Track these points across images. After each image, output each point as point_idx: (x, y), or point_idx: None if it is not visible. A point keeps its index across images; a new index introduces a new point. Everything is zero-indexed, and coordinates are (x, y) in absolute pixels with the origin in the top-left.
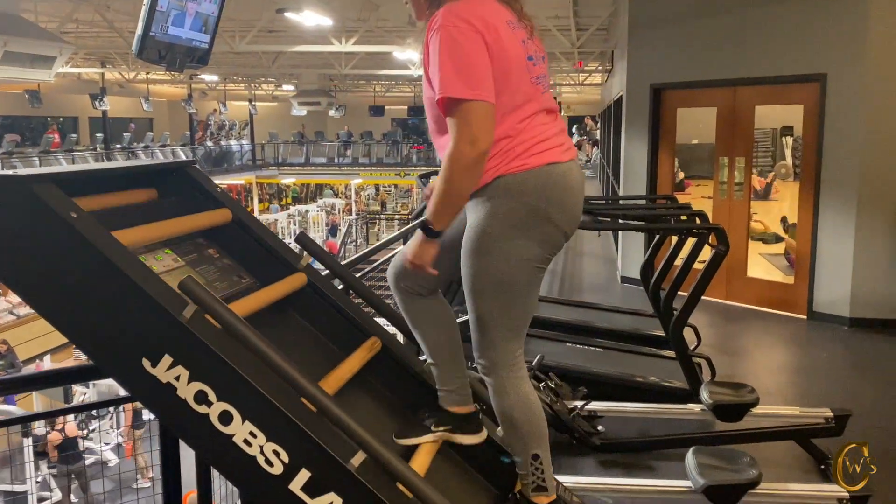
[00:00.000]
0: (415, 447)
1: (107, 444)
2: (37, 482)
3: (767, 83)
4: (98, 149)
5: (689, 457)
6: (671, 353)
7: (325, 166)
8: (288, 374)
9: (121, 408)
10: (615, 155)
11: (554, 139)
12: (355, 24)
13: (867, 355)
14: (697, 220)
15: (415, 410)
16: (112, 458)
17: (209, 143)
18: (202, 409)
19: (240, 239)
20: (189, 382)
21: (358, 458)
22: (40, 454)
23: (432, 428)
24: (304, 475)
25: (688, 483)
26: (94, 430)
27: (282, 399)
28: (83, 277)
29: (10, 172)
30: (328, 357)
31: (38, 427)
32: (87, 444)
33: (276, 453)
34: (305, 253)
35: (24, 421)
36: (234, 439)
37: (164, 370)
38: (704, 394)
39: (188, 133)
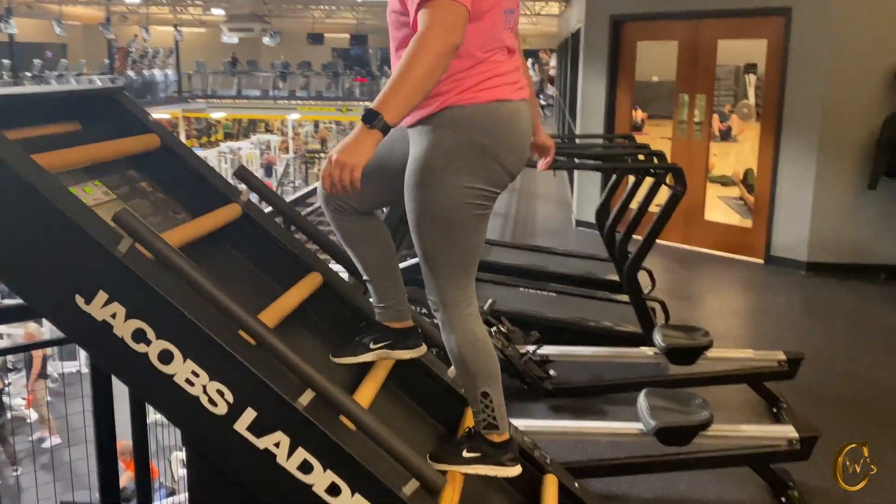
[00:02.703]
0: (359, 378)
1: (24, 398)
2: None
3: (731, 16)
4: (5, 77)
5: (641, 399)
6: (625, 298)
7: (259, 99)
8: (231, 309)
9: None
10: (572, 91)
11: (508, 76)
12: None
13: (823, 300)
14: (655, 160)
15: None
16: (32, 415)
17: (130, 73)
18: (140, 347)
19: (173, 171)
20: (126, 320)
21: (306, 397)
22: None
23: (371, 346)
24: (249, 415)
25: (639, 425)
26: (10, 384)
27: (225, 336)
28: (6, 210)
29: None
30: (269, 293)
31: None
32: (5, 399)
33: (220, 393)
34: (245, 188)
35: None
36: (176, 379)
37: (100, 307)
38: (658, 337)
39: (107, 61)
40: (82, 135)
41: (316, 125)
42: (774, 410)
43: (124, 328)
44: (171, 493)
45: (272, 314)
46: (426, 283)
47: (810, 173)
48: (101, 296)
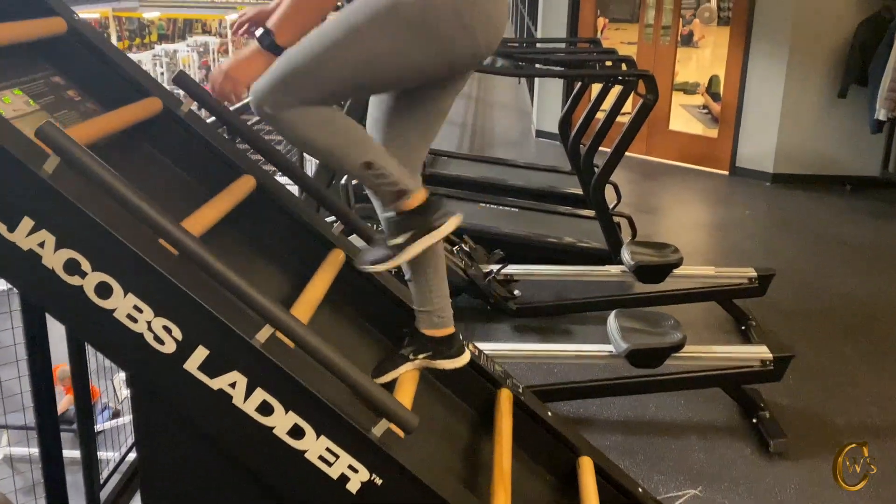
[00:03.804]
0: (297, 293)
1: None
2: None
3: None
4: None
5: (611, 320)
6: (590, 213)
7: None
8: (168, 229)
9: None
10: None
11: None
12: None
13: (789, 212)
14: (623, 67)
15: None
16: None
17: None
18: (74, 280)
19: (104, 76)
20: (56, 250)
21: (264, 334)
22: None
23: (411, 357)
24: (201, 353)
25: (609, 347)
26: None
27: (168, 266)
28: None
29: None
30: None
31: None
32: None
33: (168, 329)
34: (186, 97)
35: None
36: (116, 315)
37: (25, 235)
38: (626, 254)
39: None
40: None
41: None
42: (743, 328)
43: (55, 259)
44: (116, 414)
45: (202, 221)
46: (270, 74)
47: (779, 81)
48: (27, 222)
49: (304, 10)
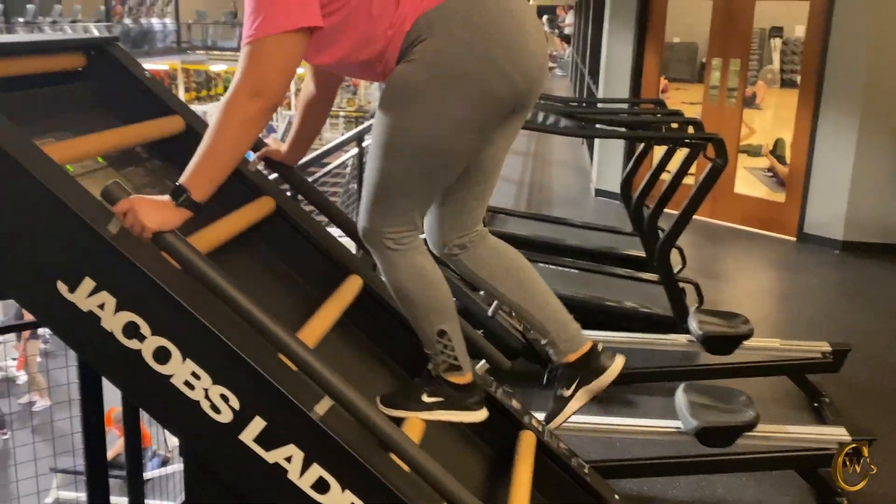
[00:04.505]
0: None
1: (14, 359)
2: None
3: None
4: None
5: (679, 394)
6: (651, 276)
7: None
8: (238, 301)
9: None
10: (593, 52)
11: None
12: None
13: (860, 282)
14: (690, 129)
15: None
16: (22, 377)
17: (127, 20)
18: (133, 343)
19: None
20: (116, 312)
21: (323, 406)
22: None
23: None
24: (257, 424)
25: (677, 423)
26: None
27: (231, 334)
28: None
29: None
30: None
31: None
32: None
33: (225, 398)
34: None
35: None
36: (173, 381)
37: (86, 296)
38: (693, 323)
39: (103, 8)
40: (75, 89)
41: None
42: (815, 405)
43: (114, 321)
44: (165, 461)
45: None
46: (367, 210)
47: (850, 146)
48: (88, 283)
49: (216, 166)
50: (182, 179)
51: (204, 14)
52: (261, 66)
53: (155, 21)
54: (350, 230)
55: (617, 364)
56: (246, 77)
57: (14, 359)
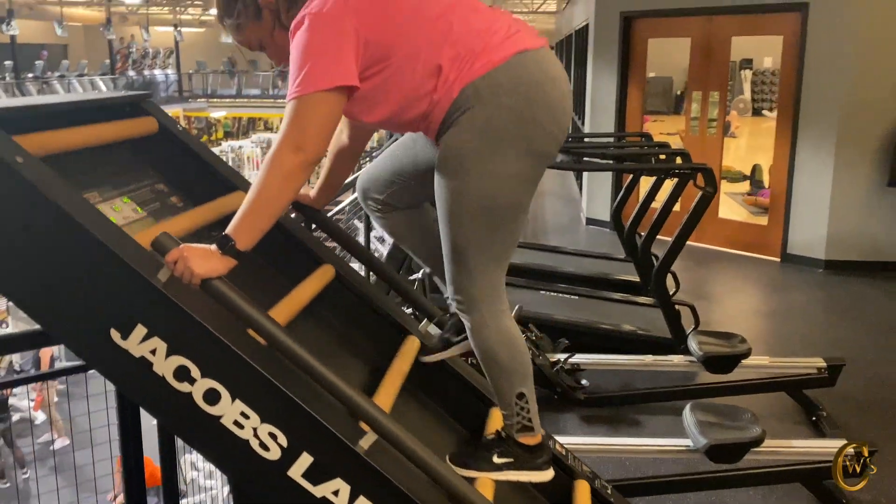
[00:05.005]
0: (376, 382)
1: (32, 400)
2: None
3: (746, 12)
4: (7, 78)
5: (687, 413)
6: (647, 300)
7: (259, 98)
8: (285, 343)
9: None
10: (578, 88)
11: (509, 27)
12: None
13: (844, 299)
14: (678, 160)
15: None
16: (39, 416)
17: (131, 73)
18: (183, 386)
19: (203, 181)
20: (168, 357)
21: (367, 440)
22: None
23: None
24: (305, 460)
25: (686, 441)
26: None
27: (278, 375)
28: (34, 235)
29: None
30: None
31: None
32: (12, 401)
33: (273, 436)
34: None
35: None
36: (223, 421)
37: (138, 343)
38: (693, 344)
39: (108, 62)
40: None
41: None
42: (814, 419)
43: (165, 366)
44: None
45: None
46: (452, 279)
47: (828, 169)
48: (140, 330)
49: (260, 216)
50: (228, 230)
51: (203, 64)
52: (302, 122)
53: (157, 72)
54: (373, 267)
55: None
56: (288, 133)
57: (32, 399)
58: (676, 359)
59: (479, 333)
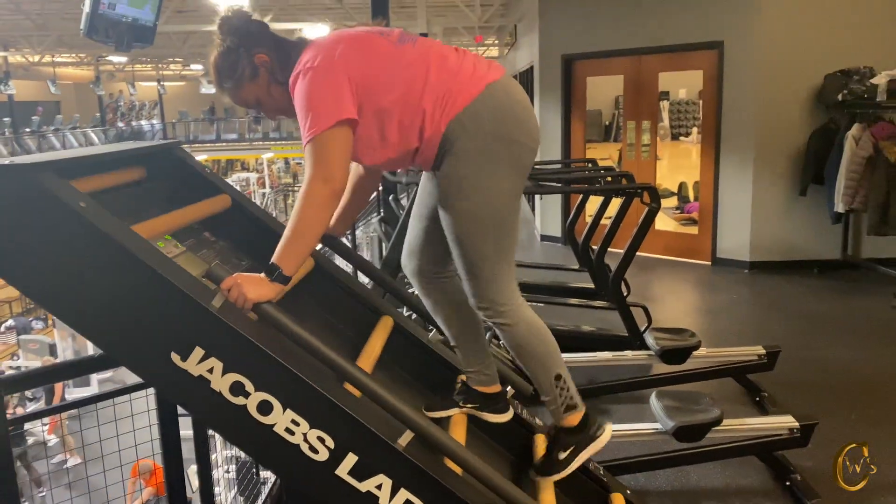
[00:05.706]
0: (445, 420)
1: (45, 423)
2: None
3: (670, 51)
4: (6, 133)
5: (654, 401)
6: (602, 304)
7: (237, 142)
8: (329, 357)
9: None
10: None
11: (475, 65)
12: (269, 2)
13: (770, 294)
14: (624, 181)
15: (432, 386)
16: (52, 439)
17: (120, 124)
18: (239, 400)
19: (231, 220)
20: (224, 374)
21: (405, 438)
22: None
23: (461, 404)
24: (350, 459)
25: (656, 425)
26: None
27: (324, 384)
28: (99, 271)
29: (7, 161)
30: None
31: None
32: (27, 426)
33: (321, 440)
34: None
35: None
36: (276, 429)
37: (196, 363)
38: (650, 340)
39: (98, 115)
40: (147, 183)
41: (286, 162)
42: (757, 399)
43: (222, 382)
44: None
45: (365, 359)
46: (475, 292)
47: (748, 184)
48: (198, 352)
49: (300, 244)
50: (274, 259)
51: (185, 114)
52: (324, 158)
53: (144, 123)
54: (386, 286)
55: (506, 416)
56: (315, 169)
57: (45, 425)
58: (633, 354)
59: (512, 333)
